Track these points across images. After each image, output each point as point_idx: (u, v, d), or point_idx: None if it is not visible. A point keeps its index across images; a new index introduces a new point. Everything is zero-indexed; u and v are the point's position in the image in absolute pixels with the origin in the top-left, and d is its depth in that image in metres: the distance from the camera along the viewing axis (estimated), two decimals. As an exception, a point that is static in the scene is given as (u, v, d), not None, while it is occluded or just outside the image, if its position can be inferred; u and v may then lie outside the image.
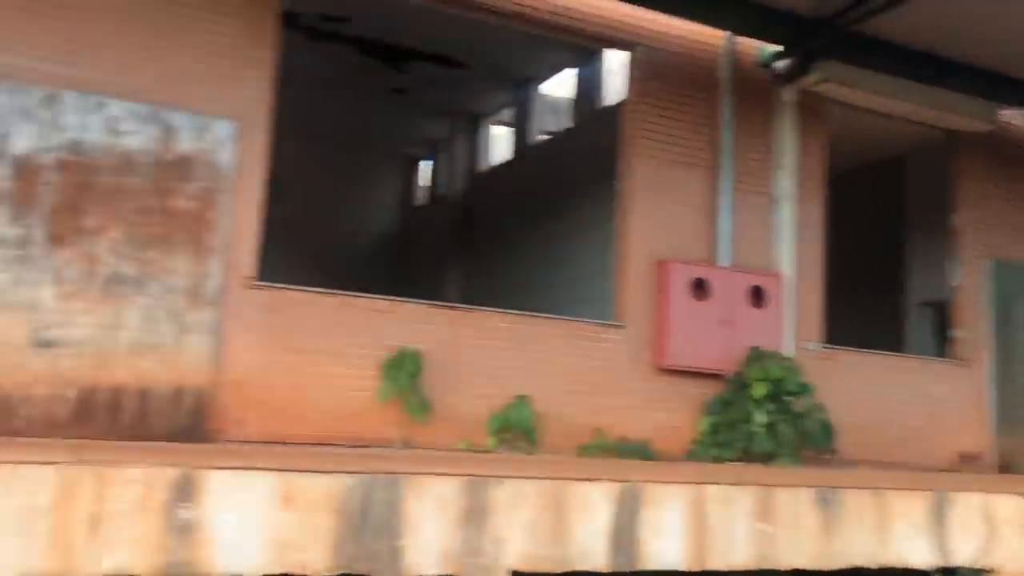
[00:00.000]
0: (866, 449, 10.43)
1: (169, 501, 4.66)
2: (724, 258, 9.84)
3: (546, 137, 15.33)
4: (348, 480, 5.08)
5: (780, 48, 10.18)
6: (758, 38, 10.14)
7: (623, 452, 8.94)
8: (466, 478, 5.43)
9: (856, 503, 6.68)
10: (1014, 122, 12.09)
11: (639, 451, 9.01)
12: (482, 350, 8.69)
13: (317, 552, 4.94)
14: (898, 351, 12.82)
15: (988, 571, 7.02)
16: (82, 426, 6.92)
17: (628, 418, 9.24)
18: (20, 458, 4.60)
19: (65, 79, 7.22)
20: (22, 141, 6.95)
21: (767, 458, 9.07)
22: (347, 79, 14.42)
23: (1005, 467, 11.08)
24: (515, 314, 9.05)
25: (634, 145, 9.79)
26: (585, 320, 9.37)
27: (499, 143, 17.76)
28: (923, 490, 6.95)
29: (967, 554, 7.01)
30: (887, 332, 14.07)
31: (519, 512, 5.54)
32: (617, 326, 9.43)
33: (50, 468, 4.46)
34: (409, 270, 18.80)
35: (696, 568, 6.03)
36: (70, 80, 7.24)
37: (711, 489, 6.16)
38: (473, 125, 16.96)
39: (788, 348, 9.93)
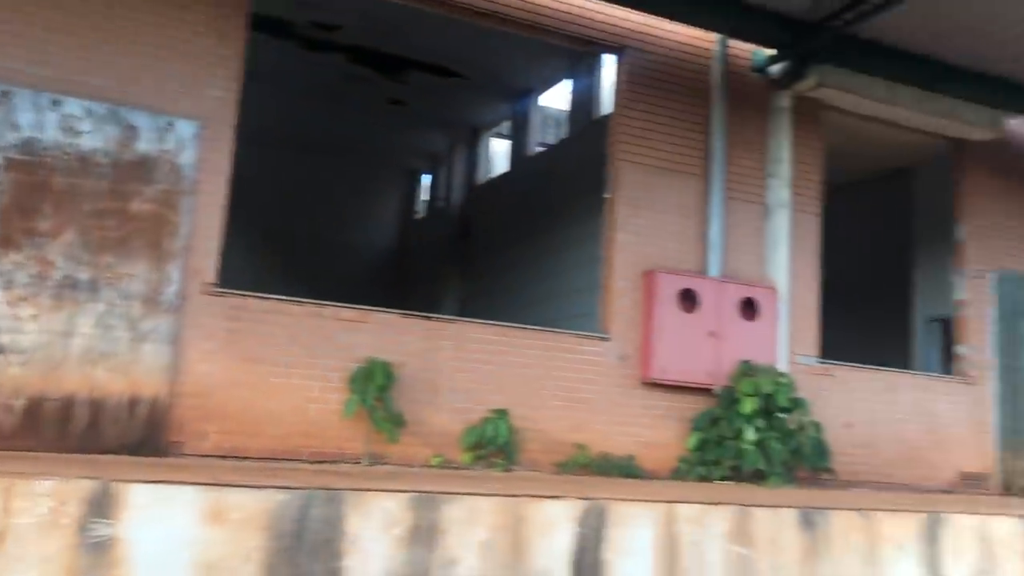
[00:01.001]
0: (865, 469, 10.01)
1: (84, 517, 4.34)
2: (715, 269, 9.47)
3: (542, 149, 15.05)
4: (281, 496, 4.74)
5: (774, 52, 9.85)
6: (751, 41, 9.81)
7: (605, 469, 8.56)
8: (415, 495, 5.09)
9: (843, 525, 6.27)
10: (1020, 130, 11.68)
11: (622, 468, 8.62)
12: (459, 363, 8.35)
13: (247, 573, 4.61)
14: (906, 368, 12.36)
15: (985, 598, 6.58)
16: (29, 437, 6.61)
17: (611, 434, 8.86)
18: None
19: (21, 76, 6.98)
20: (-30, 140, 6.71)
21: (757, 477, 8.67)
22: (344, 89, 14.21)
23: (1009, 488, 10.59)
24: (494, 325, 8.71)
25: (621, 151, 9.46)
26: (568, 332, 9.01)
27: (499, 156, 17.52)
28: (915, 511, 6.53)
29: (963, 581, 6.59)
30: (895, 349, 13.63)
31: (473, 531, 5.18)
32: (601, 338, 9.07)
33: (-50, 479, 4.16)
34: (407, 284, 18.54)
35: (667, 594, 5.65)
36: (25, 78, 6.99)
37: (683, 509, 5.77)
38: (472, 137, 16.73)
39: (781, 362, 9.52)
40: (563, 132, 15.00)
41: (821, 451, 8.94)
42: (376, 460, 7.76)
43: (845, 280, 14.83)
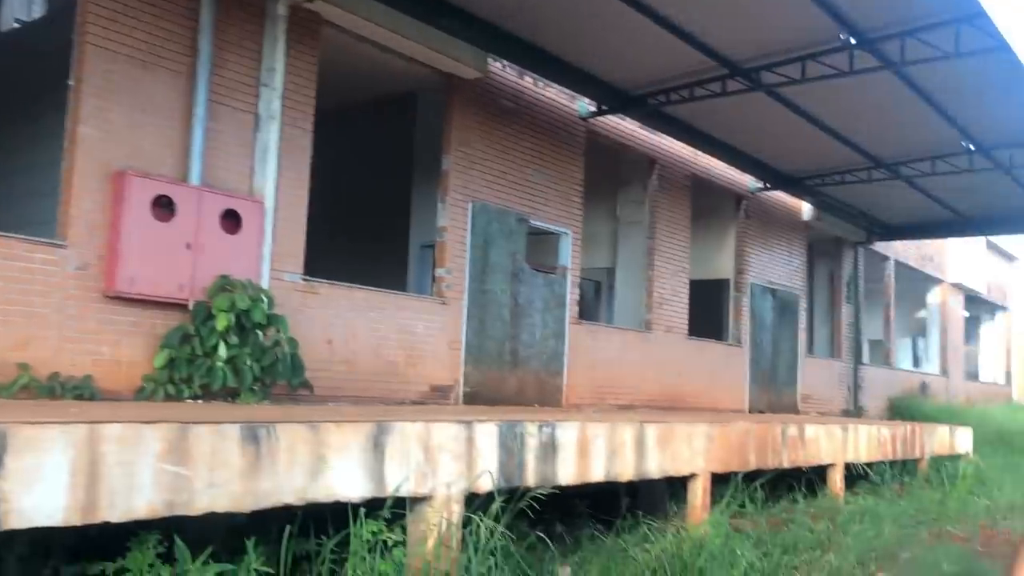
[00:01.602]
0: (345, 384, 10.32)
1: None
2: (196, 176, 8.88)
3: (17, 26, 12.93)
4: None
5: (269, -47, 9.42)
6: (245, -64, 9.26)
7: (54, 391, 7.65)
8: None
9: (290, 439, 6.25)
10: (502, 73, 12.75)
11: (76, 389, 7.78)
12: None
13: None
14: (402, 291, 12.97)
15: (423, 498, 7.10)
16: None
17: (65, 352, 7.94)
18: None
19: None
20: None
21: (231, 395, 8.43)
22: None
23: (471, 398, 11.77)
24: (-93, 223, 7.23)
25: (92, 35, 8.36)
26: (9, 236, 7.81)
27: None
28: (363, 422, 6.77)
29: (402, 483, 7.03)
30: (395, 272, 14.28)
31: None
32: (56, 245, 8.03)
33: None
34: None
35: (86, 521, 5.12)
36: None
37: (110, 429, 5.25)
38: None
39: (264, 279, 9.33)
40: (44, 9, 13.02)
41: (296, 367, 8.96)
42: None
43: (351, 203, 15.18)
